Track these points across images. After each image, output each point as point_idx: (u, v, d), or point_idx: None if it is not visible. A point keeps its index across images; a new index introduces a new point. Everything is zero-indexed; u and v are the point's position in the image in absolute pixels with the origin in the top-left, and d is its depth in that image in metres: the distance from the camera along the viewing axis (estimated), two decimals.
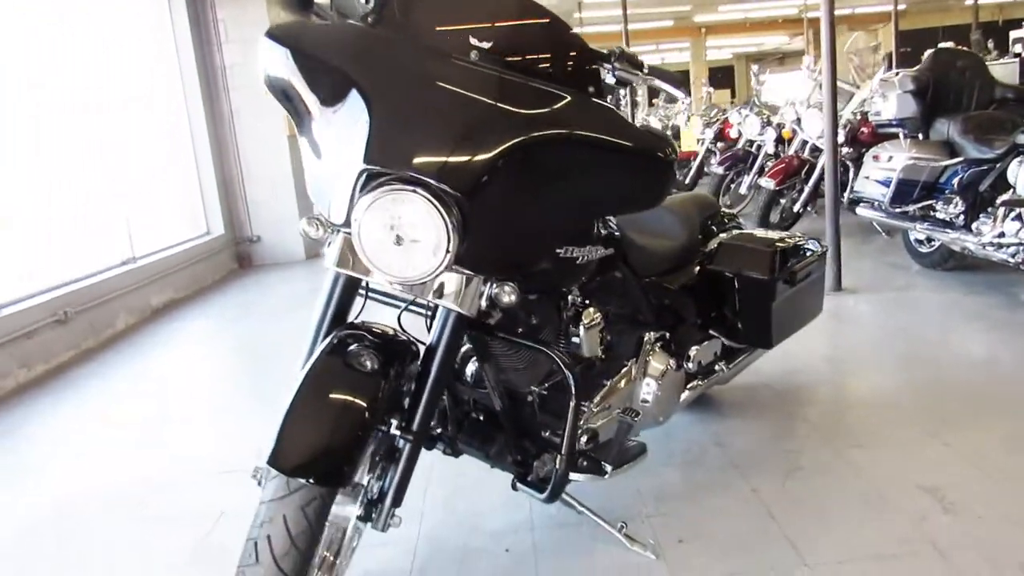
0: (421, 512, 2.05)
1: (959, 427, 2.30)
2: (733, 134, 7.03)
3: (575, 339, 1.79)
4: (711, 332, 2.33)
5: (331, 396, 1.32)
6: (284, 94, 1.52)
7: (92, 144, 4.75)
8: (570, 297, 1.80)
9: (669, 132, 9.01)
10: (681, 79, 1.68)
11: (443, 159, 1.30)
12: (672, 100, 9.96)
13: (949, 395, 2.56)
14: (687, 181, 7.90)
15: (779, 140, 6.08)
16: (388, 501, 1.48)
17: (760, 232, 2.45)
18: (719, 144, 7.67)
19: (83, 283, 4.33)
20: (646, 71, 1.65)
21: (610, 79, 1.66)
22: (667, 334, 2.12)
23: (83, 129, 4.67)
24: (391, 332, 1.47)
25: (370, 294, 1.63)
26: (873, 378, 2.82)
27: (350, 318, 1.55)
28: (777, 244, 2.28)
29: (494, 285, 1.45)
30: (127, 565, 1.94)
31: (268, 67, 1.51)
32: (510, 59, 1.44)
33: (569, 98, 1.44)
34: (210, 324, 4.68)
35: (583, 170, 1.46)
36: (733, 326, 2.32)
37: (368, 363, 1.36)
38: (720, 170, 6.38)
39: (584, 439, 1.80)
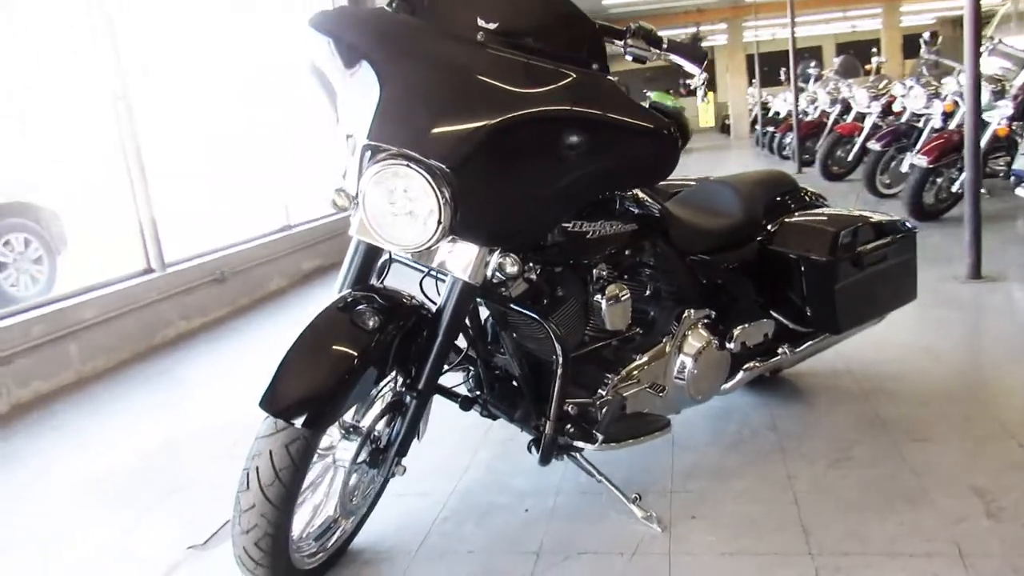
0: (465, 468, 2.18)
1: None
2: (897, 107, 6.49)
3: (602, 313, 1.83)
4: (773, 314, 2.26)
5: (323, 347, 1.47)
6: (324, 79, 1.68)
7: (258, 127, 5.27)
8: (595, 271, 1.84)
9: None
10: (703, 54, 1.66)
11: (436, 135, 1.41)
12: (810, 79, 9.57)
13: None
14: (849, 158, 7.41)
15: (947, 114, 5.55)
16: (393, 451, 1.63)
17: (836, 211, 2.33)
18: (888, 118, 7.11)
19: (242, 247, 4.86)
20: (664, 46, 1.65)
21: (627, 57, 1.68)
22: (712, 313, 2.09)
23: (251, 114, 5.19)
24: (400, 295, 1.60)
25: (394, 259, 1.76)
26: (971, 372, 2.59)
27: (376, 282, 1.70)
28: (845, 224, 2.17)
29: (498, 256, 1.54)
30: (200, 495, 2.24)
31: (312, 56, 1.68)
32: (516, 39, 1.50)
33: (572, 76, 1.48)
34: None
35: (579, 146, 1.49)
36: (798, 309, 2.24)
37: (369, 321, 1.49)
38: (877, 147, 5.91)
39: (604, 410, 1.83)
